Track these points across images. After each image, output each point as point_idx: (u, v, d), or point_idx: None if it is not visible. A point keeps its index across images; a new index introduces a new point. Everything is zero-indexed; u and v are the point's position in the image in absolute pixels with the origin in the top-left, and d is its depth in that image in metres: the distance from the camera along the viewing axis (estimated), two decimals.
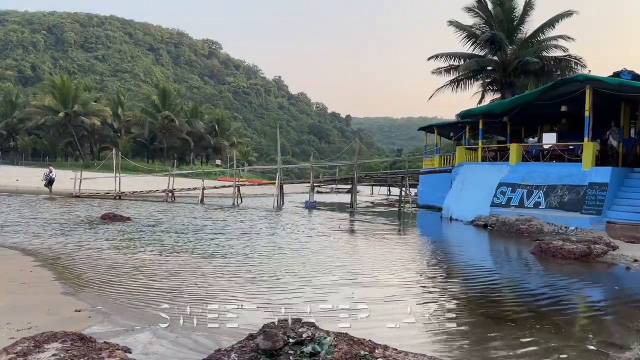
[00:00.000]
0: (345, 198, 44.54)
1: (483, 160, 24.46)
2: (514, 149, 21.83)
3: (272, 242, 13.59)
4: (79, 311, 6.38)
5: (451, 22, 34.78)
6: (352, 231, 18.54)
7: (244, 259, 10.80)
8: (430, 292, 8.36)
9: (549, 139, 23.72)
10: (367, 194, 58.80)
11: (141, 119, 68.83)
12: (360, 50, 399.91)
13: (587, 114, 19.65)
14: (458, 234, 19.55)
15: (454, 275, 10.37)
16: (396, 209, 30.91)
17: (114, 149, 31.86)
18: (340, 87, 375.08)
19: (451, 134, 31.27)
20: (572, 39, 33.58)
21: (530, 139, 27.33)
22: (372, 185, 55.60)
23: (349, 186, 60.37)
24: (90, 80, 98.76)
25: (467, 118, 25.79)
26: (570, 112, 23.79)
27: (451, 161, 29.47)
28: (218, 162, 74.26)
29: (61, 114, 63.22)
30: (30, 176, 39.32)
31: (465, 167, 24.86)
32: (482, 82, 36.55)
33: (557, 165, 20.21)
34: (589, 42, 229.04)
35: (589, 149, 19.18)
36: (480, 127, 24.63)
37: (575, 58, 33.34)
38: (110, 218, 17.33)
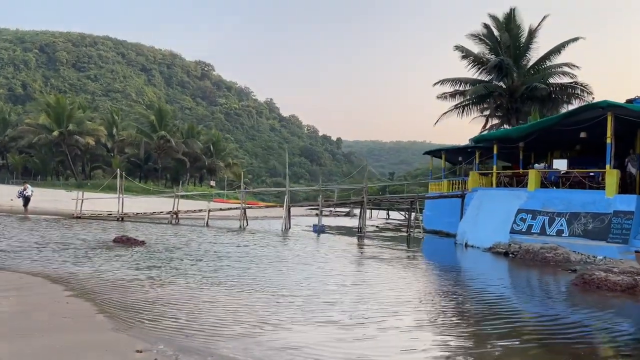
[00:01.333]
0: (347, 221, 44.14)
1: (498, 185, 24.11)
2: (532, 175, 21.46)
3: (311, 273, 12.89)
4: (141, 352, 5.69)
5: (457, 47, 34.87)
6: (379, 259, 17.90)
7: (289, 295, 10.12)
8: (472, 338, 7.65)
9: (560, 166, 23.41)
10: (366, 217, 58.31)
11: (137, 138, 68.02)
12: (352, 74, 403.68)
13: (608, 140, 19.37)
14: (479, 262, 18.90)
15: (498, 315, 8.98)
16: (403, 233, 30.42)
17: (118, 170, 31.03)
18: (331, 110, 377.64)
19: (460, 159, 30.92)
20: (577, 67, 33.76)
21: (536, 164, 27.00)
22: (371, 209, 55.06)
23: (346, 209, 60.42)
24: (82, 100, 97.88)
25: (481, 143, 25.51)
26: (584, 138, 23.60)
27: (460, 186, 29.07)
28: (212, 183, 73.45)
29: (55, 133, 62.24)
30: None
31: (480, 192, 24.44)
32: (487, 107, 36.53)
33: (579, 192, 19.82)
34: (595, 69, 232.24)
35: (612, 176, 18.84)
36: (495, 152, 24.32)
37: (581, 85, 33.45)
38: (123, 241, 16.56)
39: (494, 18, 33.91)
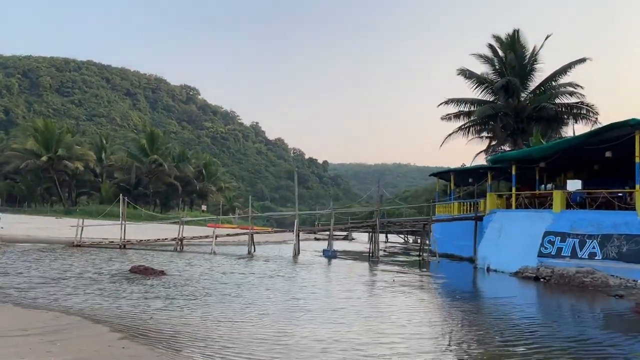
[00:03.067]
0: (350, 245, 43.23)
1: (517, 207, 23.47)
2: (557, 195, 20.86)
3: (355, 305, 12.02)
4: None
5: (461, 71, 34.65)
6: (405, 286, 17.02)
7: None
8: None
9: (574, 187, 22.88)
10: (364, 240, 57.36)
11: (127, 162, 66.52)
12: (337, 96, 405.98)
13: (637, 160, 18.88)
14: (511, 289, 18.02)
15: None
16: (413, 257, 29.63)
17: (121, 195, 29.80)
18: (316, 133, 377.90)
19: (470, 180, 30.36)
20: (582, 87, 33.63)
21: (548, 185, 26.51)
22: (369, 232, 54.12)
23: (344, 233, 59.44)
24: (66, 124, 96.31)
25: (498, 163, 24.94)
26: (601, 158, 23.18)
27: (473, 208, 28.43)
28: (204, 207, 72.01)
29: (44, 158, 60.55)
30: (12, 223, 36.99)
31: (500, 214, 23.77)
32: (491, 128, 36.21)
33: (609, 213, 19.20)
34: (599, 89, 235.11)
35: None
36: (514, 172, 23.71)
37: (587, 105, 33.29)
38: (141, 271, 15.50)
39: (497, 39, 33.88)
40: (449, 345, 8.31)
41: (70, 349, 6.70)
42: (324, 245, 39.41)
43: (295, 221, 26.73)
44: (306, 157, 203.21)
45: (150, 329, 8.25)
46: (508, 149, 36.99)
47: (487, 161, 24.87)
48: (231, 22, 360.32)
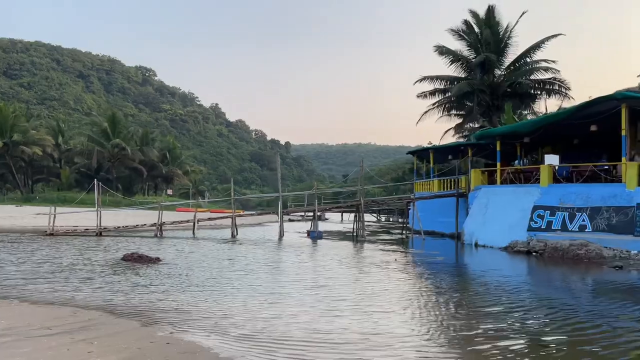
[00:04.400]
0: (331, 226, 42.99)
1: (503, 183, 23.65)
2: (545, 170, 21.07)
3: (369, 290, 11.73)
4: None
5: (437, 47, 34.49)
6: (405, 265, 16.86)
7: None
8: None
9: (552, 161, 23.28)
10: (337, 220, 57.35)
11: (88, 147, 64.01)
12: (298, 77, 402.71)
13: (623, 133, 19.22)
14: (506, 264, 18.00)
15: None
16: (396, 235, 29.68)
17: (95, 180, 28.55)
18: (277, 114, 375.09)
19: (449, 157, 30.44)
20: (554, 61, 34.04)
21: (516, 162, 26.85)
22: (342, 212, 54.13)
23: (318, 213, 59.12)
24: (18, 108, 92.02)
25: (483, 140, 25.01)
26: (582, 132, 23.54)
27: (454, 185, 28.54)
28: (170, 192, 70.46)
29: None
30: None
31: (485, 190, 23.93)
32: (467, 105, 36.36)
33: (598, 186, 19.52)
34: (572, 65, 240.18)
35: (634, 168, 18.61)
36: (498, 148, 23.84)
37: (559, 81, 33.77)
38: (135, 260, 14.79)
39: (474, 14, 33.80)
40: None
41: (111, 349, 6.14)
42: (299, 226, 39.22)
43: (279, 203, 26.19)
44: (268, 138, 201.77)
45: (185, 321, 7.74)
46: (477, 126, 37.31)
47: (473, 137, 24.82)
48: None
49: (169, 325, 7.41)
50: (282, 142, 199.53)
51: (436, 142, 49.17)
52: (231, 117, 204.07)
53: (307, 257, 18.37)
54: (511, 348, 6.48)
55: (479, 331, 7.44)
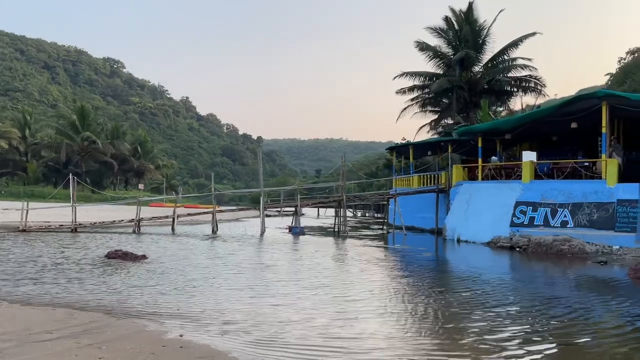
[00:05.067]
0: (303, 221, 42.67)
1: (484, 179, 23.87)
2: (527, 166, 21.34)
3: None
4: None
5: (418, 43, 34.59)
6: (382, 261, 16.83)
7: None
8: None
9: (529, 158, 23.54)
10: (313, 215, 57.20)
11: (57, 140, 62.26)
12: (269, 72, 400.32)
13: (604, 130, 19.59)
14: (491, 260, 18.06)
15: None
16: (377, 231, 29.71)
17: (70, 175, 27.68)
18: (249, 109, 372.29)
19: (429, 153, 30.58)
20: (530, 59, 34.52)
21: (493, 157, 27.07)
22: (319, 207, 54.07)
23: (292, 209, 58.73)
24: None
25: (465, 136, 25.19)
26: (560, 129, 23.95)
27: (434, 180, 28.69)
28: (141, 186, 68.87)
29: None
30: None
31: (467, 185, 24.11)
32: (446, 102, 36.60)
33: (579, 182, 19.87)
34: (548, 64, 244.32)
35: (613, 165, 19.01)
36: (480, 145, 24.05)
37: (535, 78, 34.27)
38: (120, 257, 14.36)
39: (454, 11, 33.99)
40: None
41: (122, 354, 5.85)
42: (277, 221, 38.92)
43: (261, 199, 25.84)
44: (240, 132, 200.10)
45: (190, 323, 7.49)
46: (451, 122, 37.60)
47: (456, 134, 24.90)
48: None
49: (176, 327, 7.16)
50: (254, 137, 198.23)
51: (410, 138, 49.64)
52: (202, 110, 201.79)
53: (297, 254, 18.11)
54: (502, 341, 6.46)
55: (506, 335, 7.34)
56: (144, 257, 14.65)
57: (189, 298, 9.29)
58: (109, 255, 14.62)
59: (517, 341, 6.72)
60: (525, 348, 6.41)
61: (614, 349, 6.58)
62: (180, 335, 6.74)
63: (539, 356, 6.13)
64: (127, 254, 14.66)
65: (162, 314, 8.06)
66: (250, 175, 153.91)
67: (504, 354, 6.14)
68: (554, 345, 6.67)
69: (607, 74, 56.35)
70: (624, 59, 51.70)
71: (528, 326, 7.62)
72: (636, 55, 49.99)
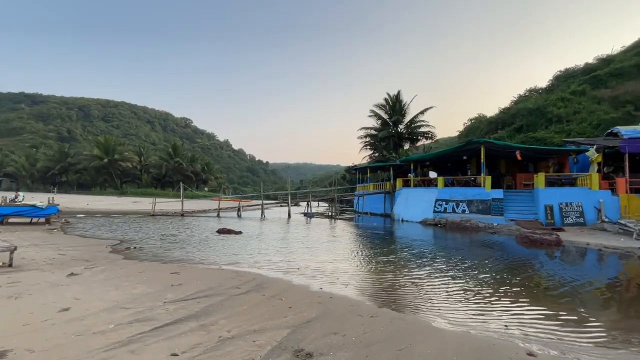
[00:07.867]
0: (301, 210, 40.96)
1: (415, 186, 23.29)
2: (440, 180, 20.85)
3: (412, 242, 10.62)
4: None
5: (372, 111, 34.05)
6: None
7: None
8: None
9: (433, 175, 23.10)
10: (300, 211, 55.23)
11: (159, 162, 58.81)
12: (272, 113, 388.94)
13: (482, 160, 19.34)
14: (427, 232, 17.28)
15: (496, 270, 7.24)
16: (349, 215, 28.75)
17: (181, 183, 25.74)
18: (260, 140, 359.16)
19: (378, 171, 29.84)
20: (428, 122, 34.34)
21: (410, 174, 26.39)
22: (318, 202, 51.81)
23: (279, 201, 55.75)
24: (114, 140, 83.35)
25: (404, 162, 24.60)
26: (454, 160, 23.55)
27: (383, 187, 27.96)
28: (206, 189, 65.98)
29: (105, 160, 51.82)
30: (90, 201, 31.26)
31: (405, 190, 23.41)
32: (384, 145, 36.05)
33: (470, 188, 19.49)
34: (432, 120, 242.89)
35: (489, 179, 18.79)
36: (412, 167, 23.51)
37: (430, 132, 34.21)
38: (226, 232, 12.99)
39: (389, 95, 33.77)
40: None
41: (300, 304, 4.80)
42: (286, 210, 37.03)
43: (289, 196, 24.59)
44: (256, 159, 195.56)
45: (313, 277, 6.36)
46: (377, 154, 36.78)
47: (399, 160, 24.27)
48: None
49: (309, 280, 6.06)
50: (264, 161, 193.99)
51: (356, 162, 48.87)
52: (235, 146, 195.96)
53: (320, 229, 16.96)
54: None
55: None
56: (240, 232, 13.28)
57: (296, 257, 8.15)
58: (219, 231, 13.22)
59: (426, 259, 5.95)
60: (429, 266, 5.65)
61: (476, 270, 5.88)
62: (320, 288, 5.68)
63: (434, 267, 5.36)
64: (230, 230, 13.27)
65: (290, 270, 6.90)
66: (258, 184, 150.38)
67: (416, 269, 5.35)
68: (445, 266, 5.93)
69: (458, 131, 57.12)
70: (467, 123, 52.49)
71: (438, 258, 6.85)
72: (473, 121, 50.82)
